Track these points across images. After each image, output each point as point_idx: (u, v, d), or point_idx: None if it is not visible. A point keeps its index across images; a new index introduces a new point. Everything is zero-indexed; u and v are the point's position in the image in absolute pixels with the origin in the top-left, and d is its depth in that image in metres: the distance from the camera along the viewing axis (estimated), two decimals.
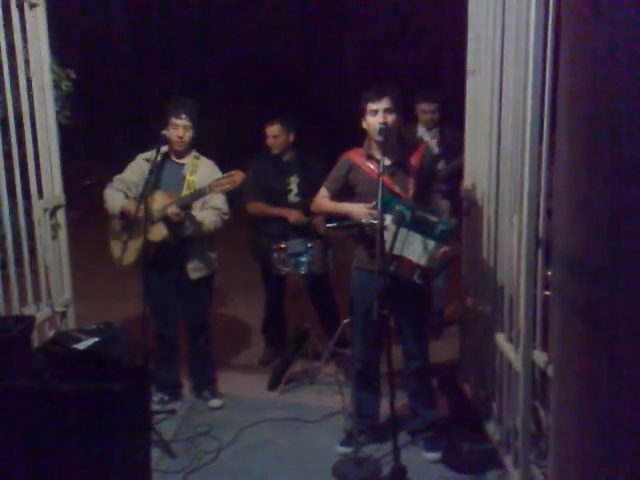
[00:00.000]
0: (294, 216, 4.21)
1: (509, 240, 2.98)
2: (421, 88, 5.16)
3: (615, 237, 1.69)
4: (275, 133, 4.29)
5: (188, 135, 3.64)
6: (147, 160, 3.67)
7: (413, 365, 3.27)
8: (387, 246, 2.86)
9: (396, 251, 2.90)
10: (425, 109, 4.64)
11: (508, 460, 3.00)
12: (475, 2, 3.55)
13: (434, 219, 2.94)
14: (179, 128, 3.61)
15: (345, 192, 3.28)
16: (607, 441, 1.78)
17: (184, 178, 3.65)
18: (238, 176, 3.45)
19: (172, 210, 3.47)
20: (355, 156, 3.24)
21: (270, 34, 12.60)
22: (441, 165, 4.44)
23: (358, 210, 3.11)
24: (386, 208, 2.88)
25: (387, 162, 3.13)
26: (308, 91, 12.14)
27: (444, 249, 2.95)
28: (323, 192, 3.31)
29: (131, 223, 3.52)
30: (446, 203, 4.28)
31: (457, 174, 4.07)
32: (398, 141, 3.21)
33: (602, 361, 1.76)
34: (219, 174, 3.69)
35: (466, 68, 3.69)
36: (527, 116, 2.62)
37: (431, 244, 2.91)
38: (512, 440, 2.94)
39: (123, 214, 3.61)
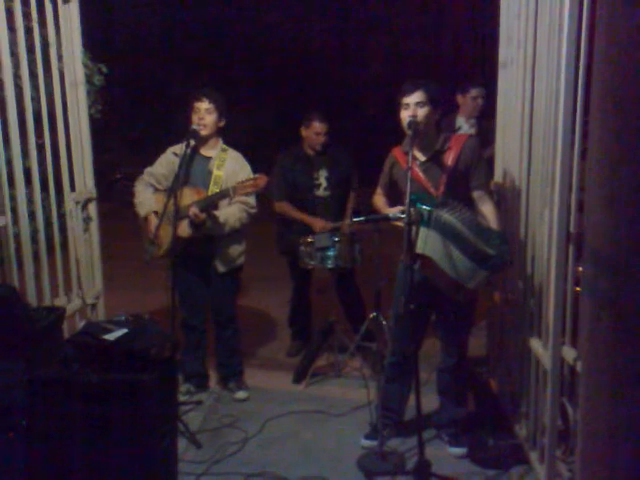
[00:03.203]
0: (319, 225, 4.17)
1: (539, 234, 2.94)
2: (466, 79, 5.14)
3: None
4: (326, 130, 4.25)
5: (210, 118, 3.62)
6: (175, 154, 3.69)
7: (448, 362, 3.26)
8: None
9: (418, 249, 2.88)
10: (475, 94, 4.61)
11: (534, 456, 2.97)
12: None
13: (491, 252, 2.82)
14: (200, 111, 3.60)
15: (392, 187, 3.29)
16: (635, 438, 1.76)
17: (211, 172, 3.66)
18: (262, 180, 3.46)
19: (193, 211, 3.49)
20: (397, 151, 3.23)
21: (295, 28, 12.63)
22: None
23: (387, 212, 3.15)
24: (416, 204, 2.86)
25: (422, 158, 3.10)
26: (331, 84, 12.13)
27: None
28: (378, 189, 3.35)
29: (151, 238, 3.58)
30: None
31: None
32: (435, 135, 3.13)
33: (631, 357, 1.73)
34: (247, 168, 3.70)
35: (498, 60, 3.65)
36: (559, 109, 2.57)
37: (482, 274, 2.84)
38: (538, 436, 2.91)
39: (146, 219, 3.67)
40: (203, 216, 3.52)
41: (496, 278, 3.70)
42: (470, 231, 2.82)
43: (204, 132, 3.63)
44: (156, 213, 3.63)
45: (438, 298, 3.02)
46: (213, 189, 3.61)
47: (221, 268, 3.72)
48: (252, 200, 3.68)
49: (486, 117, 4.56)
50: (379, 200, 3.33)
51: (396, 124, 3.13)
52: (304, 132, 4.30)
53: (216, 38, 12.41)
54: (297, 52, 12.45)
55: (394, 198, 3.26)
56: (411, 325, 2.92)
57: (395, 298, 3.21)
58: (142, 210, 3.69)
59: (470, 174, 3.09)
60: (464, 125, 4.63)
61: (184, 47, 12.65)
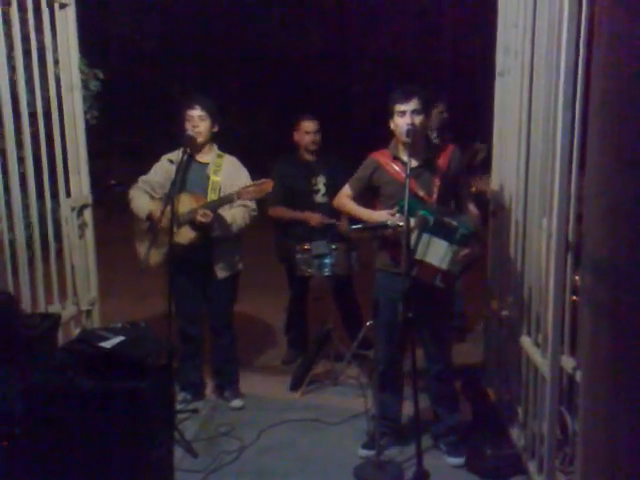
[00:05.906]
0: (315, 220, 4.17)
1: (538, 243, 2.94)
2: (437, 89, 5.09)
3: None
4: (316, 128, 4.25)
5: (204, 125, 3.62)
6: (171, 161, 3.68)
7: (434, 369, 3.25)
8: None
9: (418, 256, 2.88)
10: (442, 109, 4.54)
11: (532, 466, 2.95)
12: (505, 0, 3.51)
13: (454, 223, 2.90)
14: (194, 118, 3.60)
15: (369, 192, 3.26)
16: (636, 448, 1.75)
17: (208, 178, 3.65)
18: (267, 185, 3.47)
19: (203, 212, 3.46)
20: (381, 157, 3.22)
21: (290, 31, 12.67)
22: None
23: (379, 218, 3.10)
24: (409, 212, 2.86)
25: (413, 164, 3.10)
26: (327, 89, 12.14)
27: (465, 252, 2.95)
28: (346, 190, 3.31)
29: (156, 227, 3.53)
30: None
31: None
32: (425, 143, 3.18)
33: (631, 366, 1.72)
34: (244, 172, 3.69)
35: (495, 69, 3.66)
36: (558, 118, 2.57)
37: (453, 248, 2.89)
38: (537, 446, 2.90)
39: (149, 218, 3.62)
40: (212, 215, 3.48)
41: (493, 286, 3.70)
42: (454, 219, 2.92)
43: (199, 139, 3.63)
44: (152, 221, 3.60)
45: (419, 302, 2.91)
46: (211, 195, 3.60)
47: (221, 274, 3.69)
48: (253, 203, 3.67)
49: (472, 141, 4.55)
50: (349, 203, 3.29)
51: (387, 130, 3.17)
52: (296, 136, 4.31)
53: (213, 45, 12.44)
54: (295, 58, 12.48)
55: (370, 203, 3.26)
56: (400, 334, 2.91)
57: (380, 306, 3.18)
58: (142, 208, 3.64)
59: (459, 183, 3.21)
60: (430, 135, 4.60)
61: (182, 54, 12.66)
